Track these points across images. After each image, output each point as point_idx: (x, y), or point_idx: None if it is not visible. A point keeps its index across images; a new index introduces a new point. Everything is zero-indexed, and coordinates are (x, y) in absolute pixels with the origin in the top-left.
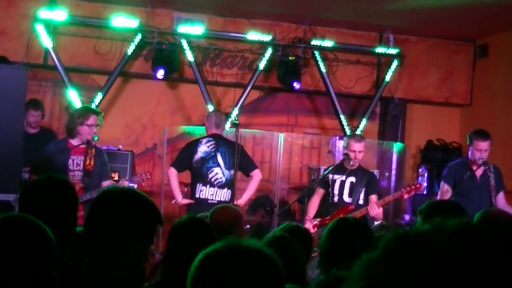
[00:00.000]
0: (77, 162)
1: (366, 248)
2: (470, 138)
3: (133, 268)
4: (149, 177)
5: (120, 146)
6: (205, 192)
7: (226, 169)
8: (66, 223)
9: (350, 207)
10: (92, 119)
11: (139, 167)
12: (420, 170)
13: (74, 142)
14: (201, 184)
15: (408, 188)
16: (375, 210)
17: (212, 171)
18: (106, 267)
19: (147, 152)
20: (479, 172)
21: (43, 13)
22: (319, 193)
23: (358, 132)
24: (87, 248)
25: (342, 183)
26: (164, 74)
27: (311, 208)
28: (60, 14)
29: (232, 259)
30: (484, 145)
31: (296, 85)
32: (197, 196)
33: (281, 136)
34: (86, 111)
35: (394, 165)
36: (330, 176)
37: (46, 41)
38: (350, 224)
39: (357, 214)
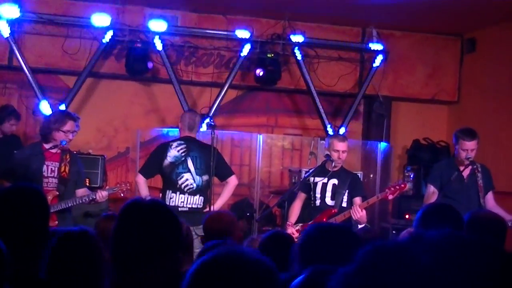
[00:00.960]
0: (51, 169)
1: (344, 257)
2: (456, 137)
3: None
4: (129, 187)
5: (91, 151)
6: (175, 199)
7: (197, 174)
8: (36, 236)
9: (333, 211)
10: (69, 125)
11: (111, 172)
12: (406, 171)
13: (48, 147)
14: (170, 191)
15: (392, 189)
16: (358, 213)
17: (182, 177)
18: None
19: (119, 157)
20: (466, 172)
21: (6, 10)
22: (301, 197)
23: (341, 132)
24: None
25: (324, 185)
26: (133, 74)
27: (293, 213)
28: (24, 12)
29: (228, 267)
30: (471, 144)
31: (259, 72)
32: (167, 203)
33: (261, 137)
34: (63, 117)
35: (379, 166)
36: (312, 179)
37: (10, 40)
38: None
39: (340, 217)
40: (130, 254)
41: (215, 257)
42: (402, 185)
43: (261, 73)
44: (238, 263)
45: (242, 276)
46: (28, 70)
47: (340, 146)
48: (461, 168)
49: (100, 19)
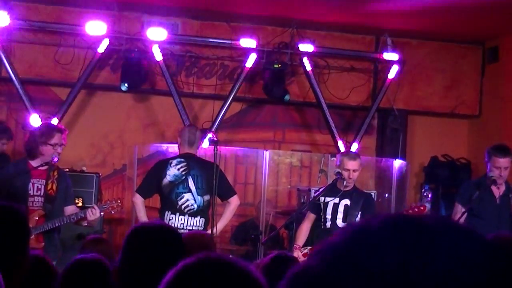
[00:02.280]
0: (37, 187)
1: None
2: (488, 154)
3: None
4: (120, 204)
5: (84, 168)
6: (174, 221)
7: (198, 195)
8: (13, 258)
9: None
10: (56, 138)
11: (107, 191)
12: (423, 190)
13: (34, 163)
14: (169, 212)
15: (410, 211)
16: None
17: (182, 197)
18: None
19: (115, 174)
20: (498, 193)
21: None
22: (310, 218)
23: (353, 148)
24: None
25: (335, 206)
26: (130, 86)
27: (301, 235)
28: (14, 19)
29: (209, 271)
30: (504, 161)
31: (286, 97)
32: None
33: (267, 153)
34: (50, 129)
35: (394, 185)
36: (322, 198)
37: None
38: None
39: None
40: (139, 279)
41: (195, 261)
42: (422, 208)
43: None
44: (219, 267)
45: (222, 280)
46: (17, 81)
47: (351, 165)
48: (493, 187)
49: (95, 27)
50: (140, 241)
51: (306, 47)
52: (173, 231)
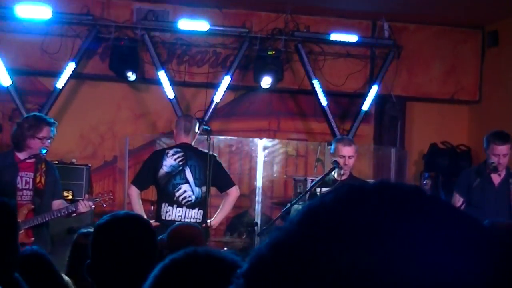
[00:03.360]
0: (26, 180)
1: None
2: (487, 141)
3: None
4: (112, 197)
5: (74, 160)
6: (171, 213)
7: (196, 186)
8: (2, 253)
9: None
10: (45, 131)
11: (97, 183)
12: (423, 178)
13: (22, 156)
14: (167, 204)
15: None
16: None
17: (180, 188)
18: None
19: (106, 166)
20: (498, 179)
21: None
22: None
23: (350, 136)
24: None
25: None
26: (119, 75)
27: None
28: None
29: (197, 266)
30: (503, 148)
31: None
32: (163, 217)
33: (262, 143)
34: (38, 122)
35: (393, 174)
36: (318, 189)
37: None
38: None
39: None
40: (109, 270)
41: (182, 255)
42: None
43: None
44: (206, 261)
45: (210, 273)
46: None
47: (346, 151)
48: (492, 175)
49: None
50: (108, 235)
51: (301, 33)
52: (141, 220)
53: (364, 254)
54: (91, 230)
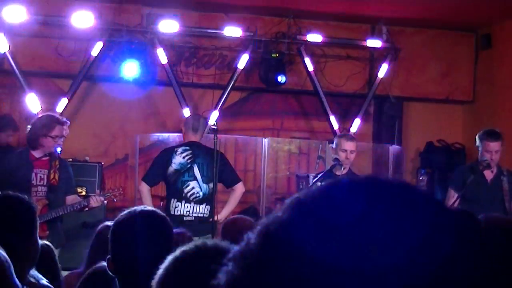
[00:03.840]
0: (40, 176)
1: None
2: (480, 139)
3: None
4: (122, 192)
5: (87, 158)
6: (180, 208)
7: (204, 182)
8: (23, 245)
9: None
10: (57, 130)
11: (109, 180)
12: (419, 175)
13: (37, 154)
14: (175, 200)
15: None
16: None
17: (188, 185)
18: None
19: (117, 164)
20: (490, 176)
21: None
22: None
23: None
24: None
25: None
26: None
27: None
28: (16, 13)
29: (206, 258)
30: (494, 145)
31: (281, 79)
32: (172, 213)
33: (266, 141)
34: (51, 121)
35: (390, 170)
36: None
37: (1, 43)
38: None
39: None
40: (128, 264)
41: (190, 249)
42: None
43: (282, 80)
44: (213, 255)
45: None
46: (20, 74)
47: (348, 145)
48: (485, 172)
49: (95, 19)
50: (126, 229)
51: (303, 36)
52: (158, 215)
53: (336, 240)
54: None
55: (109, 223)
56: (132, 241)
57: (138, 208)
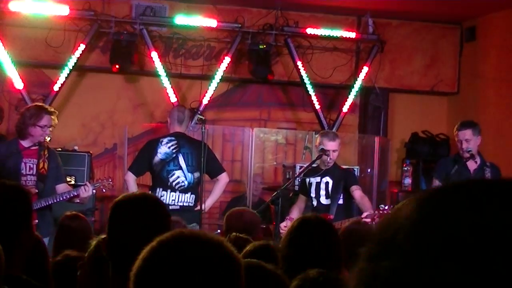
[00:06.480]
0: (30, 166)
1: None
2: (455, 130)
3: None
4: (111, 183)
5: (76, 147)
6: (165, 197)
7: (188, 172)
8: (19, 234)
9: (329, 217)
10: (45, 120)
11: (98, 169)
12: (405, 165)
13: (25, 143)
14: (161, 189)
15: (381, 212)
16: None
17: (173, 174)
18: None
19: (106, 153)
20: (473, 167)
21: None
22: (302, 198)
23: (336, 124)
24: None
25: (318, 185)
26: (121, 67)
27: (294, 210)
28: (5, 3)
29: (184, 247)
30: (462, 134)
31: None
32: None
33: (253, 131)
34: (39, 111)
35: (376, 161)
36: (307, 180)
37: None
38: (311, 224)
39: (337, 225)
40: (124, 248)
41: (169, 237)
42: (387, 210)
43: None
44: (194, 242)
45: (197, 255)
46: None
47: (330, 145)
48: (468, 162)
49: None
50: (124, 211)
51: (290, 28)
52: (157, 201)
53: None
54: (75, 213)
55: (69, 213)
56: (129, 224)
57: (137, 192)
